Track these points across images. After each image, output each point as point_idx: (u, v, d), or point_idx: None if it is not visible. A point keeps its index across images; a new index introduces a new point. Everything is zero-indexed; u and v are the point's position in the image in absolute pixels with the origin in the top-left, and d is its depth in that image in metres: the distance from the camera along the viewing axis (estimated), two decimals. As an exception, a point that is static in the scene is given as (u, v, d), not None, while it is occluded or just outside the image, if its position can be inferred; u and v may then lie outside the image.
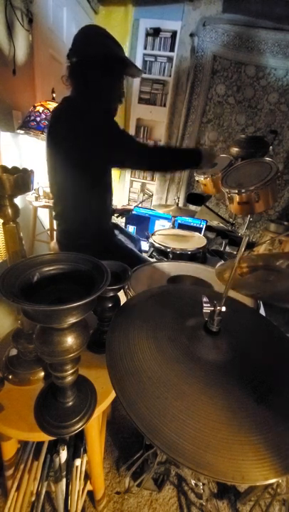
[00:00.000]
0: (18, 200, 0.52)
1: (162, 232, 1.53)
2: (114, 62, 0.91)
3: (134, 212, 2.06)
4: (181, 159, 1.06)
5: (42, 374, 0.61)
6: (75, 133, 0.90)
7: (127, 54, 2.01)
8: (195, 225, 1.85)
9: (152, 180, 2.92)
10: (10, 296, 0.35)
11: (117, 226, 1.37)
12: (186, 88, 2.46)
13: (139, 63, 2.55)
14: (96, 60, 0.89)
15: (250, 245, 1.78)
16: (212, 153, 1.06)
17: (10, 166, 0.51)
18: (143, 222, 2.05)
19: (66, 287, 0.47)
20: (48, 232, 2.00)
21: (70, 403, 0.55)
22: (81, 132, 0.89)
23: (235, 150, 1.38)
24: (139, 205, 1.84)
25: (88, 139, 0.89)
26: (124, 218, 2.09)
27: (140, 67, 2.56)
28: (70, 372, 0.49)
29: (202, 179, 1.21)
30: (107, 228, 1.20)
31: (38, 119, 1.51)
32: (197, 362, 0.43)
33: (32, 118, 1.52)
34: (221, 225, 1.84)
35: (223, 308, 0.44)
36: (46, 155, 1.00)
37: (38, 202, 1.77)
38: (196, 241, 1.42)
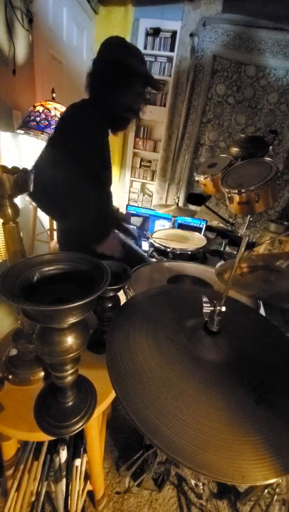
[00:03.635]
0: (18, 200, 0.51)
1: (162, 232, 1.53)
2: (123, 73, 0.90)
3: (133, 212, 2.06)
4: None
5: (42, 374, 0.61)
6: (66, 135, 0.90)
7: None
8: (195, 225, 1.85)
9: (152, 180, 2.92)
10: (10, 296, 0.35)
11: (117, 225, 1.37)
12: (186, 88, 2.46)
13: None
14: (103, 70, 0.90)
15: (250, 245, 1.78)
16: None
17: (10, 166, 0.51)
18: (143, 223, 2.05)
19: (66, 287, 0.47)
20: (48, 232, 2.00)
21: (70, 403, 0.55)
22: (68, 135, 0.89)
23: (235, 150, 1.38)
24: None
25: (71, 144, 0.89)
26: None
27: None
28: (70, 372, 0.49)
29: (202, 179, 1.21)
30: (107, 228, 1.20)
31: (38, 119, 1.51)
32: (197, 362, 0.43)
33: (32, 118, 1.52)
34: (221, 225, 1.84)
35: (223, 308, 0.44)
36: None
37: (38, 202, 1.77)
38: (196, 241, 1.42)
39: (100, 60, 0.91)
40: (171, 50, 2.46)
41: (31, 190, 0.51)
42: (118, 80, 0.90)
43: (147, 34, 2.48)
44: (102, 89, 0.92)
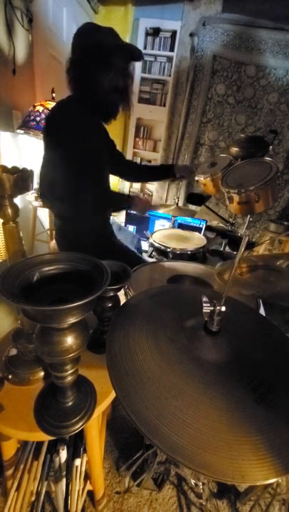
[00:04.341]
0: (18, 200, 0.51)
1: (162, 232, 1.53)
2: (96, 54, 0.86)
3: (133, 212, 2.06)
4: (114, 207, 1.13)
5: (42, 374, 0.61)
6: (53, 135, 0.90)
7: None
8: (195, 225, 1.85)
9: (152, 180, 2.92)
10: (10, 296, 0.35)
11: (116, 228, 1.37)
12: (186, 88, 2.46)
13: (139, 63, 2.54)
14: (77, 59, 0.89)
15: (250, 245, 1.78)
16: (145, 203, 1.08)
17: (10, 166, 0.51)
18: (143, 222, 2.05)
19: (66, 287, 0.47)
20: (48, 232, 2.00)
21: (70, 403, 0.55)
22: (55, 134, 0.89)
23: (235, 150, 1.38)
24: None
25: (59, 143, 0.89)
26: (124, 217, 2.09)
27: (140, 67, 2.56)
28: (70, 372, 0.49)
29: (202, 179, 1.21)
30: (106, 228, 1.20)
31: (38, 118, 1.51)
32: (197, 362, 0.43)
33: (32, 118, 1.52)
34: (221, 225, 1.84)
35: (223, 308, 0.44)
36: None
37: (38, 202, 1.77)
38: (196, 241, 1.42)
39: (73, 51, 0.90)
40: (171, 49, 2.46)
41: (32, 189, 0.51)
42: (93, 63, 0.87)
43: (147, 34, 2.48)
44: (81, 79, 0.90)
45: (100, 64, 0.88)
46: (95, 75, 0.88)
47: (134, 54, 0.93)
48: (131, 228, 2.09)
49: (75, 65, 0.90)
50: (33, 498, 0.69)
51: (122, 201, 1.09)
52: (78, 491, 0.71)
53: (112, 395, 0.61)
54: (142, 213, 1.19)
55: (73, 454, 0.72)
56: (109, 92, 0.93)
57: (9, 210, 0.50)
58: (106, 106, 0.97)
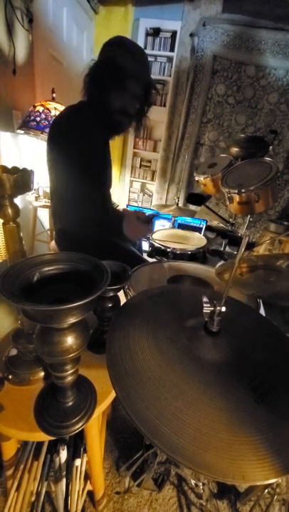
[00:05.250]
0: (18, 200, 0.51)
1: (162, 232, 1.53)
2: (114, 73, 0.87)
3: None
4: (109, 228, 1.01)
5: (42, 374, 0.61)
6: (61, 136, 0.90)
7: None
8: (195, 225, 1.85)
9: (152, 180, 2.92)
10: (10, 296, 0.35)
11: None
12: (186, 88, 2.46)
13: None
14: (96, 70, 0.89)
15: (250, 245, 1.78)
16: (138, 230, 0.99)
17: (10, 166, 0.51)
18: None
19: (66, 287, 0.47)
20: (48, 232, 2.00)
21: (70, 403, 0.55)
22: (65, 138, 0.89)
23: (235, 150, 1.38)
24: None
25: (65, 145, 0.89)
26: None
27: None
28: (70, 372, 0.49)
29: (202, 179, 1.21)
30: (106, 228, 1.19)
31: (38, 118, 1.51)
32: (197, 362, 0.43)
33: (32, 118, 1.52)
34: (221, 225, 1.84)
35: (223, 309, 0.44)
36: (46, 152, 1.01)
37: (38, 202, 1.77)
38: (196, 241, 1.42)
39: (96, 61, 0.90)
40: (171, 50, 2.46)
41: (33, 190, 0.51)
42: (109, 80, 0.88)
43: (147, 34, 2.48)
44: (95, 90, 0.91)
45: (117, 83, 0.89)
46: (110, 92, 0.90)
47: (151, 83, 0.95)
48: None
49: (93, 76, 0.90)
50: (33, 498, 0.69)
51: (119, 221, 1.00)
52: (78, 491, 0.71)
53: (112, 395, 0.61)
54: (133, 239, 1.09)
55: (73, 454, 0.72)
56: (117, 111, 0.94)
57: (9, 210, 0.50)
58: (111, 123, 0.98)
